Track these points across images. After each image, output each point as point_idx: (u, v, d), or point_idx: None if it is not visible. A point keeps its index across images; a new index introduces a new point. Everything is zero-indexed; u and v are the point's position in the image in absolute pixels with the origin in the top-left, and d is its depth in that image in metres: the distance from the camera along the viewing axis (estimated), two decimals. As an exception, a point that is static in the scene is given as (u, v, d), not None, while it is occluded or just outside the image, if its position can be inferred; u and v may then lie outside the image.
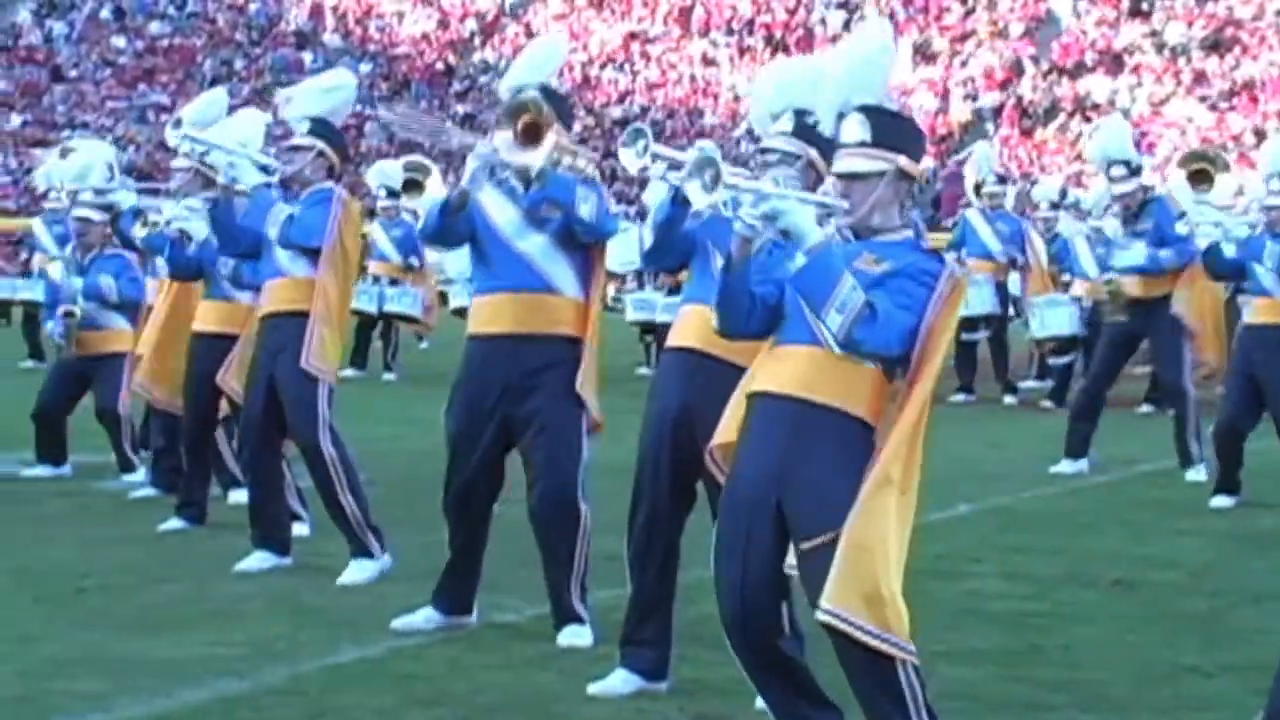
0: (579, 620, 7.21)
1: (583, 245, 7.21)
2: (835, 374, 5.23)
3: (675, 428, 6.27)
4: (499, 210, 7.22)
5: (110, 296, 11.61)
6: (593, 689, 6.43)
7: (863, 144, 5.32)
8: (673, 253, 6.41)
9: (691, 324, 6.30)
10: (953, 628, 6.69)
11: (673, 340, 6.42)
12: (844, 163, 5.35)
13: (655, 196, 7.09)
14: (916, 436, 5.19)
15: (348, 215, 8.59)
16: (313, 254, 8.46)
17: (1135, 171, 12.65)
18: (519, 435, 7.21)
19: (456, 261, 19.56)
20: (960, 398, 17.56)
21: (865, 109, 5.36)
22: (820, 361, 5.24)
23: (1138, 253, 12.33)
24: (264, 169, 8.87)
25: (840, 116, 5.43)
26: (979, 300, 17.12)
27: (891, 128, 5.38)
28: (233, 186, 8.65)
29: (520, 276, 7.18)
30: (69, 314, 11.61)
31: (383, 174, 19.86)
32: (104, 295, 11.60)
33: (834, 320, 5.10)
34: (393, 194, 19.53)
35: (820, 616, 5.05)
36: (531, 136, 7.01)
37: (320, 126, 8.74)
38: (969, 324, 17.19)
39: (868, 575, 5.03)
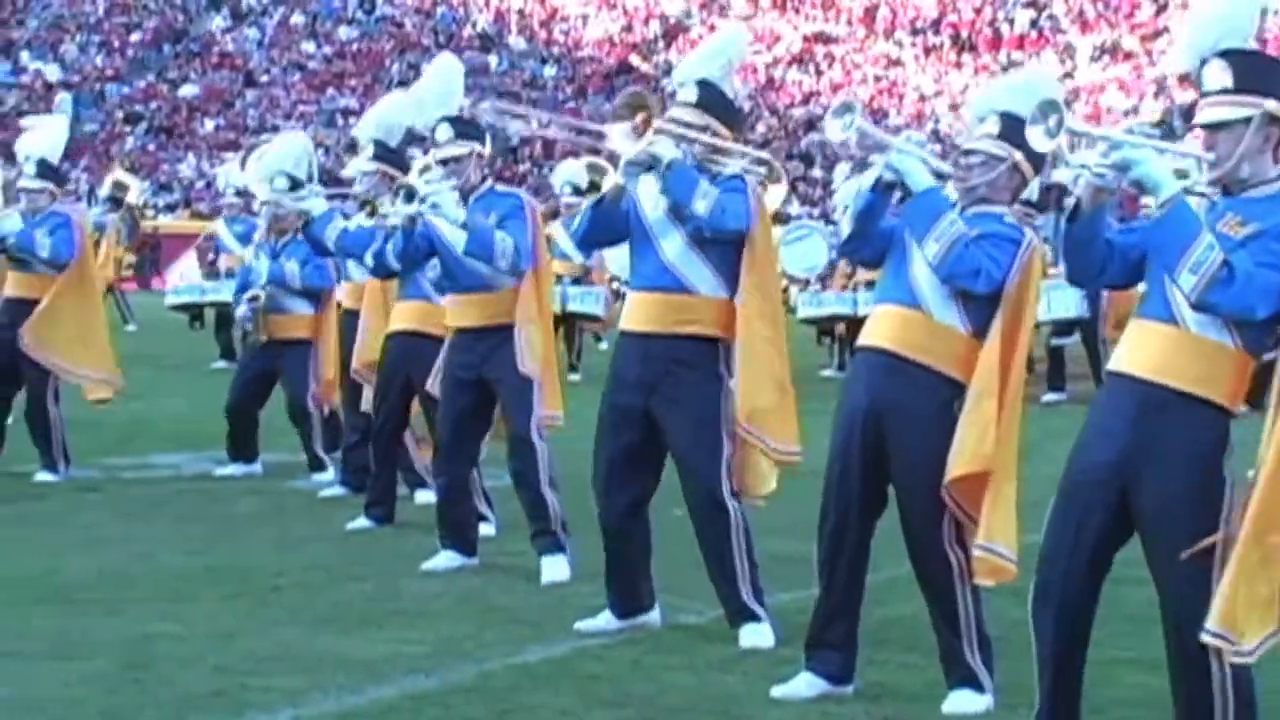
0: (755, 618, 7.19)
1: (725, 243, 7.12)
2: (1191, 356, 5.09)
3: (865, 430, 6.20)
4: (651, 206, 7.21)
5: (293, 283, 11.75)
6: (777, 692, 6.41)
7: (1225, 90, 5.09)
8: (870, 244, 6.34)
9: (884, 324, 6.24)
10: (1137, 634, 6.58)
11: (865, 340, 6.34)
12: (1206, 112, 5.13)
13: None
14: None
15: (538, 223, 8.66)
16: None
17: None
18: (663, 435, 7.22)
19: (618, 258, 19.62)
20: (1053, 396, 17.42)
21: (1226, 53, 5.12)
22: (1178, 342, 5.11)
23: None
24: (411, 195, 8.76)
25: (1202, 63, 5.17)
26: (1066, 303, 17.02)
27: (1256, 69, 5.12)
28: (420, 215, 8.53)
29: (658, 275, 7.17)
30: (254, 298, 11.77)
31: (569, 173, 19.93)
32: (287, 281, 11.74)
33: (1187, 281, 4.96)
34: (578, 192, 19.52)
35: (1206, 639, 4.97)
36: (644, 130, 6.97)
37: (465, 128, 8.74)
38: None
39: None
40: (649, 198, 7.19)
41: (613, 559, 7.44)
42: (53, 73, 49.66)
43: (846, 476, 6.26)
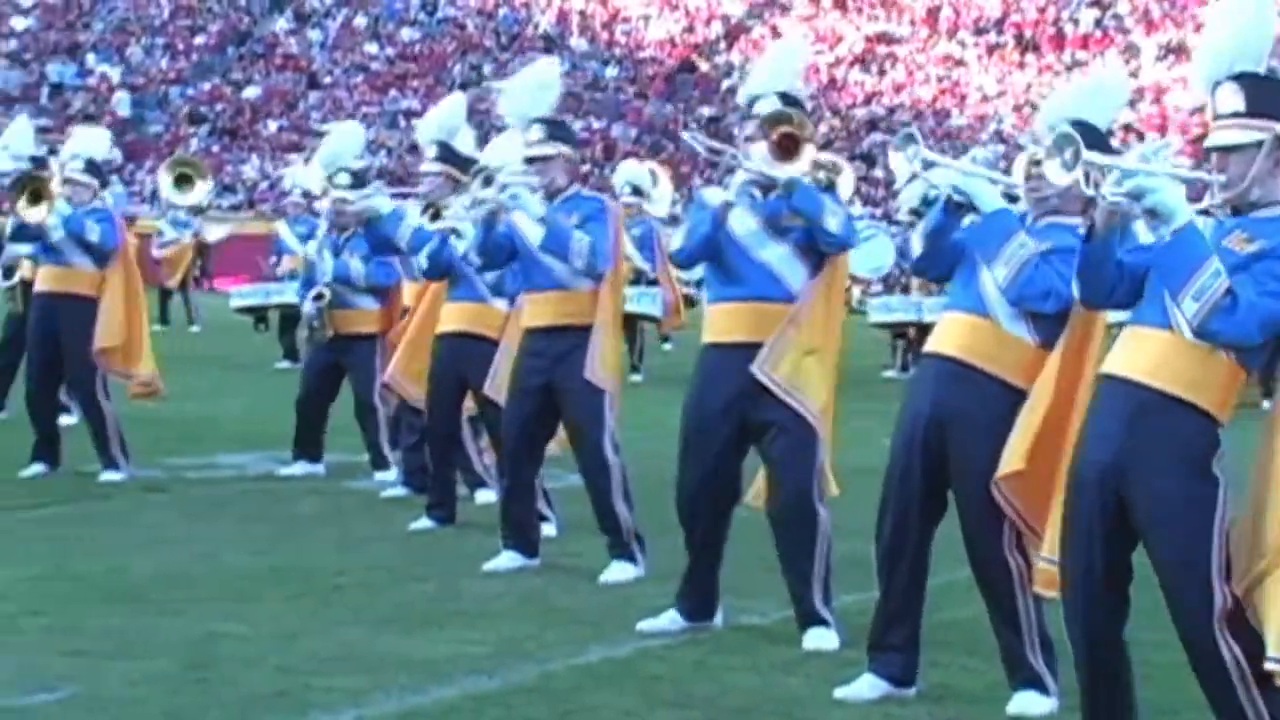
0: (823, 623, 7.20)
1: (821, 253, 7.22)
2: (1186, 362, 5.14)
3: (927, 434, 6.19)
4: (739, 220, 7.26)
5: (358, 282, 11.73)
6: (840, 693, 6.41)
7: (1237, 114, 5.13)
8: (942, 261, 6.35)
9: (952, 332, 6.23)
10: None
11: (931, 346, 6.34)
12: (1218, 135, 5.18)
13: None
14: None
15: (620, 228, 8.68)
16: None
17: None
18: (757, 439, 7.24)
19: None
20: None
21: (1239, 76, 5.16)
22: (1173, 347, 5.15)
23: None
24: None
25: (1215, 86, 5.21)
26: None
27: (1269, 93, 5.15)
28: (505, 206, 8.51)
29: (760, 285, 7.21)
30: (319, 296, 11.76)
31: (630, 173, 19.95)
32: (352, 279, 11.72)
33: (1189, 307, 5.01)
34: (638, 192, 19.50)
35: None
36: (789, 149, 7.02)
37: (557, 130, 8.74)
38: None
39: None
40: (736, 214, 7.25)
41: (695, 570, 7.46)
42: (118, 75, 49.99)
43: (907, 480, 6.25)
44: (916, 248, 6.42)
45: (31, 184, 11.60)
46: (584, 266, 8.40)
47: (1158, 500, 5.16)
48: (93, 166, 11.91)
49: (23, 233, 11.74)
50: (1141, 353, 5.22)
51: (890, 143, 6.30)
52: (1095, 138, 6.06)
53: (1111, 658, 5.41)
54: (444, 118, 10.47)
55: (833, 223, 7.11)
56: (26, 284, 14.01)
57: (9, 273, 14.20)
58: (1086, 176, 5.22)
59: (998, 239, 6.08)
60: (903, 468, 6.27)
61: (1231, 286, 4.98)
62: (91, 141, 12.32)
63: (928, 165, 6.24)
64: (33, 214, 11.45)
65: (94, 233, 11.50)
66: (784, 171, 7.06)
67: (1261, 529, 5.06)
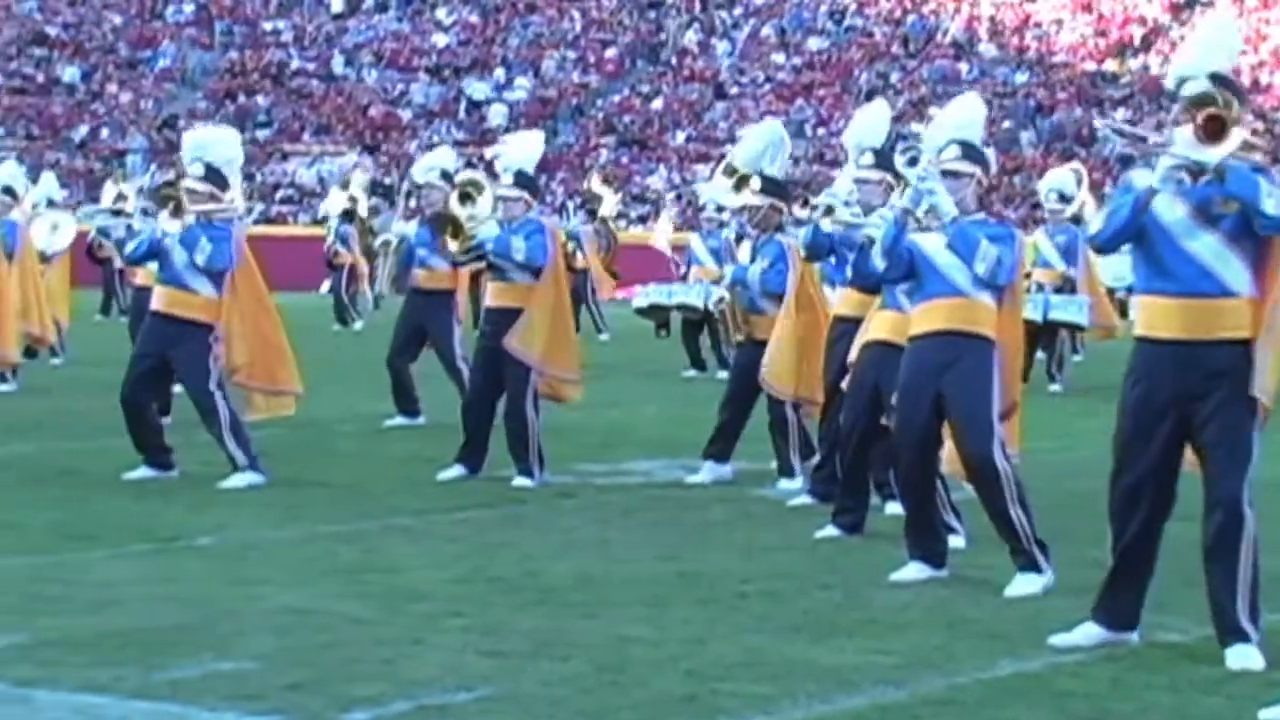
0: (1245, 639, 6.96)
1: (1256, 239, 6.96)
2: None
3: None
4: (1166, 206, 7.05)
5: (752, 286, 11.82)
6: (1265, 715, 6.20)
7: None
8: None
9: None
10: None
11: None
12: None
13: None
14: None
15: (1023, 250, 8.66)
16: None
17: None
18: (1193, 442, 7.05)
19: (1111, 268, 19.43)
20: None
21: None
22: None
23: None
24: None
25: None
26: None
27: None
28: (914, 211, 8.53)
29: (1191, 279, 7.01)
30: (719, 300, 11.90)
31: (1057, 180, 20.38)
32: (747, 282, 11.83)
33: None
34: (1064, 199, 19.75)
35: None
36: (1214, 131, 6.81)
37: (972, 151, 8.69)
38: None
39: None
40: (1163, 200, 7.06)
41: (1118, 576, 7.29)
42: (532, 88, 51.24)
43: None
44: None
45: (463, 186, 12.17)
46: (986, 274, 8.40)
47: None
48: (524, 179, 12.18)
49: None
50: None
51: None
52: None
53: None
54: (871, 122, 10.54)
55: (1270, 205, 6.83)
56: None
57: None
58: None
59: None
60: None
61: None
62: (524, 149, 12.52)
63: None
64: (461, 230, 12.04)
65: (520, 253, 11.79)
66: (1210, 155, 6.84)
67: None
